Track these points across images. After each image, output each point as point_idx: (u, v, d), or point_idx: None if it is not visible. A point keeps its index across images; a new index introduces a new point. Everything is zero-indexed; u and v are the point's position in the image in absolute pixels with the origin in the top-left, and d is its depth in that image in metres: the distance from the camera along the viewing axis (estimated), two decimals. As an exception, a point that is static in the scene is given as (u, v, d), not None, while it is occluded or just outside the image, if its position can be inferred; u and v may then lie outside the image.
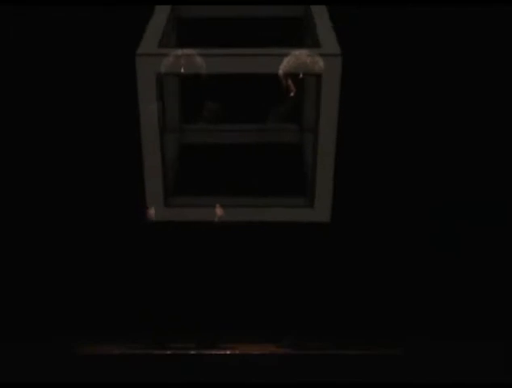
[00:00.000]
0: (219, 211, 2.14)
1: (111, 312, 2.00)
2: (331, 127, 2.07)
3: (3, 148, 2.41)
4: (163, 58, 2.01)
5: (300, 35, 2.37)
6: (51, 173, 2.38)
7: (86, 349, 1.94)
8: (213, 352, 1.95)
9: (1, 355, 1.91)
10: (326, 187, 2.17)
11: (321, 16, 2.24)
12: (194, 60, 1.99)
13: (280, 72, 1.98)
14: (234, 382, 1.90)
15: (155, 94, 2.06)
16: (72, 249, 2.18)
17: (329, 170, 2.14)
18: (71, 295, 2.05)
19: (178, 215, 2.22)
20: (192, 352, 1.95)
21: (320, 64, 2.00)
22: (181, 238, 2.18)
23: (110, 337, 1.96)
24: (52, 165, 2.40)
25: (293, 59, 1.98)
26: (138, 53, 2.03)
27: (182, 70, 1.99)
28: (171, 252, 2.16)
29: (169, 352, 1.94)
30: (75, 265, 2.13)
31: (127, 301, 2.03)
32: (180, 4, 2.35)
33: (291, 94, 2.08)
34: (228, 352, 1.95)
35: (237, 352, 1.95)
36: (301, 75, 2.02)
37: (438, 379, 1.89)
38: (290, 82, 2.07)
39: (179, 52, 2.01)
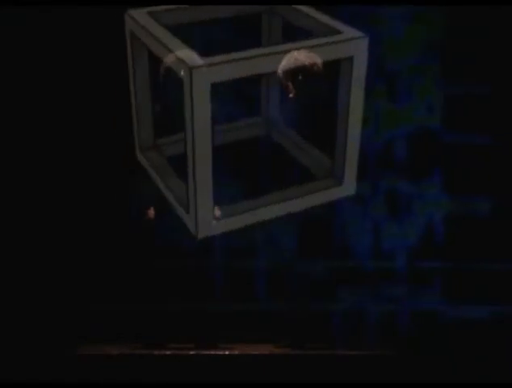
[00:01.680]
0: (216, 213, 2.15)
1: (109, 312, 2.01)
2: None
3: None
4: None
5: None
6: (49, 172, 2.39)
7: (84, 349, 1.95)
8: (212, 352, 1.96)
9: (1, 355, 1.92)
10: (194, 201, 2.12)
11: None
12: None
13: (279, 72, 1.98)
14: (233, 382, 1.91)
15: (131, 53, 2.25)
16: (69, 250, 2.18)
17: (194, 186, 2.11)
18: (69, 295, 2.06)
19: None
20: (191, 353, 1.95)
21: (318, 63, 2.00)
22: (176, 235, 2.20)
23: (109, 337, 1.96)
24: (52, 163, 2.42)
25: (291, 59, 1.98)
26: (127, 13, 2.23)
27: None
28: (167, 251, 2.17)
29: (168, 353, 1.95)
30: (72, 264, 2.13)
31: (125, 301, 2.03)
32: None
33: (291, 94, 2.07)
34: (227, 353, 1.95)
35: (236, 352, 1.95)
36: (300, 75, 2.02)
37: (435, 379, 1.90)
38: (289, 81, 2.07)
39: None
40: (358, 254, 2.18)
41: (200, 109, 1.99)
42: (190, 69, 1.94)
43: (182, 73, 1.97)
